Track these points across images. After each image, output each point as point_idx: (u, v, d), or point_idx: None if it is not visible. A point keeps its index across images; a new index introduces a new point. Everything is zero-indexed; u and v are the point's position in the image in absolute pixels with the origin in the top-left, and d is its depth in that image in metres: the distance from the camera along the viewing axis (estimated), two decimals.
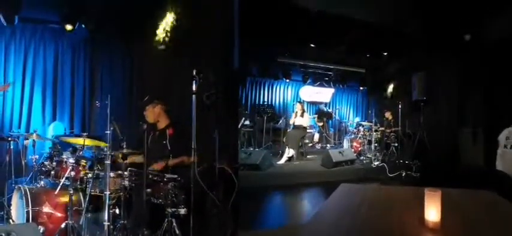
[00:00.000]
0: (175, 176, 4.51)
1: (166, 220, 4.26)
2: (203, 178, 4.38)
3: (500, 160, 5.76)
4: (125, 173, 4.36)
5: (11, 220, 4.53)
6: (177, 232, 4.28)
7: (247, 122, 10.39)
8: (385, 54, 11.01)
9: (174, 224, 4.28)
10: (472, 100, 8.41)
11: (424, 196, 2.16)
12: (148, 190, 4.29)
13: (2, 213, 4.71)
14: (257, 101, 12.91)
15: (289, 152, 9.10)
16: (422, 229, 2.09)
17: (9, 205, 4.77)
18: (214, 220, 4.77)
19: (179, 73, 6.25)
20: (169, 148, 4.88)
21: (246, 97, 12.56)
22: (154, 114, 5.09)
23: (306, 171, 8.49)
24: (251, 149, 9.60)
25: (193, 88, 4.38)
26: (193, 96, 4.36)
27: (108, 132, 3.91)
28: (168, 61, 6.88)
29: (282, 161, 8.99)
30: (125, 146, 4.46)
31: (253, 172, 7.52)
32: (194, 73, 4.38)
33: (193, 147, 4.30)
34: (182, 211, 4.37)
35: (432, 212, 2.09)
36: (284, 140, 9.78)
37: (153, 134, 5.01)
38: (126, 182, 4.36)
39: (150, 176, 4.40)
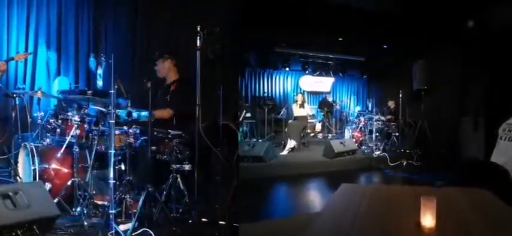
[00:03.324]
0: (180, 132, 4.55)
1: (171, 176, 4.35)
2: (207, 134, 4.39)
3: (496, 151, 5.71)
4: (130, 131, 4.39)
5: (18, 177, 4.60)
6: (182, 187, 4.37)
7: (248, 114, 10.39)
8: (386, 42, 10.82)
9: (179, 180, 4.37)
10: (474, 89, 8.26)
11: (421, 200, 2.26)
12: (153, 147, 4.33)
13: (10, 169, 4.78)
14: (257, 92, 12.79)
15: (291, 143, 9.10)
16: (418, 233, 2.19)
17: (16, 162, 4.83)
18: (219, 176, 4.81)
19: (184, 28, 6.16)
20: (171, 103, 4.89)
21: (246, 88, 12.47)
22: (164, 68, 5.09)
23: (308, 161, 8.39)
24: (254, 140, 9.59)
25: (198, 44, 4.33)
26: (198, 52, 4.32)
27: (112, 91, 3.88)
28: (174, 15, 6.78)
29: (285, 152, 9.00)
30: (129, 104, 4.48)
31: (257, 163, 7.46)
32: (198, 29, 4.32)
33: (197, 103, 4.29)
34: (187, 167, 4.46)
35: (428, 219, 2.20)
36: (286, 131, 9.79)
37: (161, 90, 5.04)
38: (132, 140, 4.40)
39: (155, 133, 4.42)
